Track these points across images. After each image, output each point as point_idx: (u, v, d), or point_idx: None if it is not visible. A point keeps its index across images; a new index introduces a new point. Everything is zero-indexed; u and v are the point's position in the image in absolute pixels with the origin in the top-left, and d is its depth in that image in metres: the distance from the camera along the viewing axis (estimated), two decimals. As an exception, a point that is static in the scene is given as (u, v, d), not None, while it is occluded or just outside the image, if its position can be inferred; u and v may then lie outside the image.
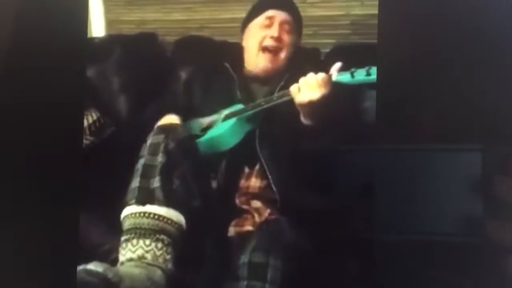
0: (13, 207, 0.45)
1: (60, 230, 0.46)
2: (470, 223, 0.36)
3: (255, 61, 1.10)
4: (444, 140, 0.38)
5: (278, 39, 1.07)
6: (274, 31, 1.08)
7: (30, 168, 0.45)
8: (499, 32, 0.37)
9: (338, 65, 0.94)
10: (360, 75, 0.89)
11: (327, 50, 1.31)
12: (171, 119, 1.06)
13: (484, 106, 0.37)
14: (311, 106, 0.93)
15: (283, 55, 1.09)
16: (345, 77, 0.91)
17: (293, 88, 0.95)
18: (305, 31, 1.30)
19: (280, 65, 1.09)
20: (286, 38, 1.09)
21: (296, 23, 1.12)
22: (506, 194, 0.35)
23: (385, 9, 0.42)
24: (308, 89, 0.92)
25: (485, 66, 0.38)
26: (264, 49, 1.08)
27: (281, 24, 1.09)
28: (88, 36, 1.43)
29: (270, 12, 1.10)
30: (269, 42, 1.08)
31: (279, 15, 1.09)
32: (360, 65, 0.90)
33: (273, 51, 1.08)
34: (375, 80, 0.85)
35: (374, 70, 0.86)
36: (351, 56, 1.12)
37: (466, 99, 0.38)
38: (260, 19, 1.11)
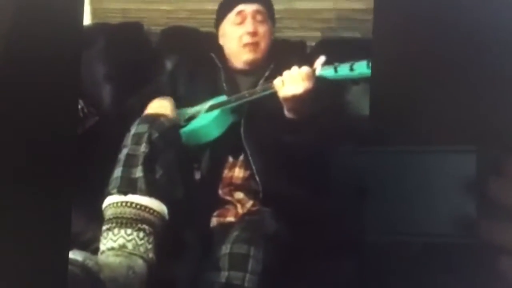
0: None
1: (51, 220, 0.46)
2: (464, 224, 0.36)
3: (239, 57, 1.10)
4: (438, 142, 0.38)
5: (254, 33, 1.07)
6: (249, 26, 1.07)
7: (18, 158, 0.44)
8: (498, 32, 0.37)
9: (322, 59, 0.94)
10: (344, 70, 0.89)
11: (313, 43, 1.31)
12: (162, 104, 1.05)
13: (479, 107, 0.37)
14: (294, 100, 0.93)
15: (263, 44, 1.09)
16: (329, 72, 0.91)
17: (277, 82, 0.95)
18: (291, 24, 1.30)
19: (263, 54, 1.09)
20: (262, 28, 1.08)
21: (267, 10, 1.11)
22: (501, 195, 0.35)
23: (381, 3, 0.41)
24: (291, 83, 0.92)
25: (481, 67, 0.37)
26: (245, 45, 1.08)
27: (254, 17, 1.07)
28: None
29: (239, 7, 1.08)
30: (247, 39, 1.07)
31: (248, 8, 1.08)
32: (345, 59, 0.90)
33: (254, 45, 1.08)
34: (358, 75, 0.86)
35: (357, 65, 0.87)
36: (337, 50, 1.12)
37: (461, 100, 0.38)
38: (231, 16, 1.09)
